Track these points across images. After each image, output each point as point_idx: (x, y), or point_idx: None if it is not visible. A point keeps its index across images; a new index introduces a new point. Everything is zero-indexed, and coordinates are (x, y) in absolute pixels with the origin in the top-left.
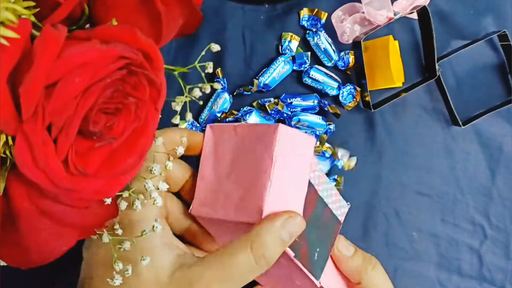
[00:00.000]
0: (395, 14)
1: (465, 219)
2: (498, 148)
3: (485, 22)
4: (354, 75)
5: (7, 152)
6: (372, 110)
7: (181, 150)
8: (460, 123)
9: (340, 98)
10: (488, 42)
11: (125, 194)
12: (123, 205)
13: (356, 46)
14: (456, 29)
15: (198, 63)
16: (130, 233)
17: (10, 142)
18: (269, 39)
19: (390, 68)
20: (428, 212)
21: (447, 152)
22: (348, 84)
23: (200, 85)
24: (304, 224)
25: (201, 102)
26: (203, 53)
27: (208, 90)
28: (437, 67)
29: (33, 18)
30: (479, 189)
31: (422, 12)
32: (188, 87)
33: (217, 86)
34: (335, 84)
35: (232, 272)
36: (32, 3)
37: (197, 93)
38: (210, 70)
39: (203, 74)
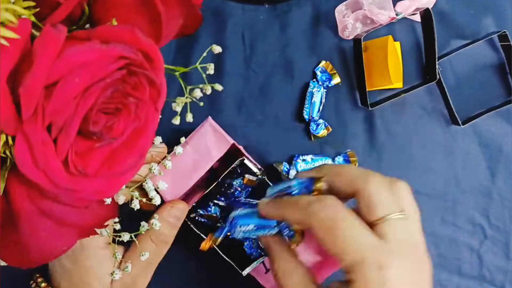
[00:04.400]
0: (397, 14)
1: (465, 219)
2: (498, 148)
3: (485, 22)
4: (354, 74)
5: (7, 152)
6: (370, 109)
7: (180, 150)
8: (460, 122)
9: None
10: (488, 42)
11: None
12: (121, 200)
13: (356, 43)
14: (456, 29)
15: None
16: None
17: (10, 142)
18: (269, 39)
19: (387, 69)
20: (428, 212)
21: (447, 152)
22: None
23: (201, 85)
24: (186, 207)
25: (201, 103)
26: (205, 54)
27: (209, 91)
28: (437, 69)
29: (33, 18)
30: (479, 189)
31: (425, 14)
32: (189, 87)
33: (218, 87)
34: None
35: (147, 261)
36: (32, 3)
37: (197, 93)
38: (211, 71)
39: (204, 75)
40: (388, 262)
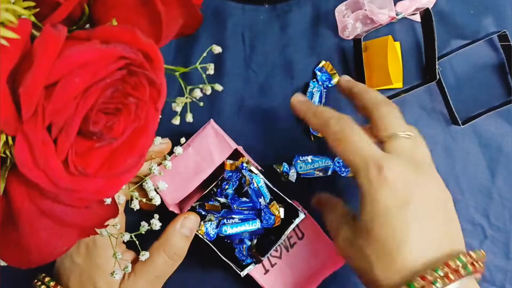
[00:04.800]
0: (397, 14)
1: (465, 219)
2: (498, 148)
3: (485, 22)
4: (354, 74)
5: (7, 152)
6: None
7: (180, 151)
8: (460, 122)
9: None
10: (488, 42)
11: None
12: (121, 199)
13: (356, 43)
14: (456, 29)
15: (199, 63)
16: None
17: (10, 142)
18: (269, 39)
19: (387, 69)
20: None
21: (447, 152)
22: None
23: (201, 86)
24: (198, 219)
25: (201, 104)
26: (205, 54)
27: (209, 91)
28: (437, 69)
29: (33, 18)
30: (479, 189)
31: (425, 14)
32: (189, 87)
33: (218, 87)
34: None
35: (156, 273)
36: (32, 3)
37: (197, 93)
38: (211, 71)
39: (204, 75)
40: (386, 164)
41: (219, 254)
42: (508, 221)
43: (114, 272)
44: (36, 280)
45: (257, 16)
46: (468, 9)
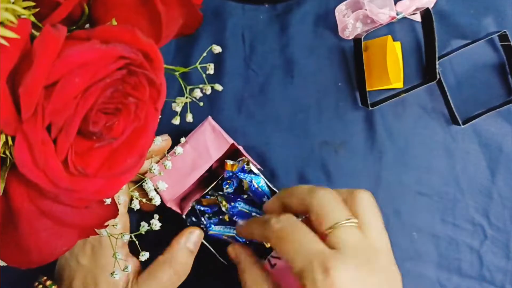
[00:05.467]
0: (397, 14)
1: (465, 219)
2: (498, 148)
3: (485, 22)
4: (354, 74)
5: (7, 152)
6: (370, 108)
7: (179, 150)
8: (460, 122)
9: None
10: (488, 42)
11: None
12: (121, 199)
13: (356, 43)
14: (456, 29)
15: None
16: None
17: (10, 142)
18: (269, 39)
19: (386, 68)
20: (428, 212)
21: (447, 152)
22: None
23: (201, 85)
24: (202, 234)
25: (201, 103)
26: (205, 54)
27: (209, 91)
28: (437, 68)
29: (33, 18)
30: (479, 189)
31: (425, 14)
32: (189, 87)
33: (218, 87)
34: None
35: (162, 287)
36: (32, 3)
37: (197, 93)
38: (211, 71)
39: (204, 75)
40: (333, 265)
41: (218, 257)
42: (508, 221)
43: (114, 272)
44: (37, 283)
45: (257, 16)
46: (468, 9)
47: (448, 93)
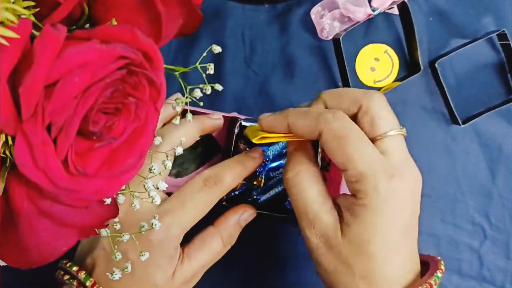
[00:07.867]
0: (373, 10)
1: (465, 219)
2: (498, 148)
3: (485, 21)
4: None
5: (7, 152)
6: None
7: (180, 150)
8: (460, 122)
9: None
10: (488, 41)
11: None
12: (121, 199)
13: (336, 43)
14: (456, 29)
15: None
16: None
17: (10, 142)
18: (269, 39)
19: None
20: (428, 212)
21: (447, 152)
22: None
23: (201, 85)
24: (255, 213)
25: (201, 103)
26: (205, 54)
27: (209, 91)
28: (419, 59)
29: (33, 18)
30: (479, 189)
31: (402, 6)
32: (189, 87)
33: (218, 87)
34: None
35: (211, 259)
36: (32, 3)
37: (197, 93)
38: (211, 71)
39: (204, 75)
40: (396, 172)
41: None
42: (508, 221)
43: (113, 272)
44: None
45: (257, 16)
46: (468, 9)
47: (448, 93)
